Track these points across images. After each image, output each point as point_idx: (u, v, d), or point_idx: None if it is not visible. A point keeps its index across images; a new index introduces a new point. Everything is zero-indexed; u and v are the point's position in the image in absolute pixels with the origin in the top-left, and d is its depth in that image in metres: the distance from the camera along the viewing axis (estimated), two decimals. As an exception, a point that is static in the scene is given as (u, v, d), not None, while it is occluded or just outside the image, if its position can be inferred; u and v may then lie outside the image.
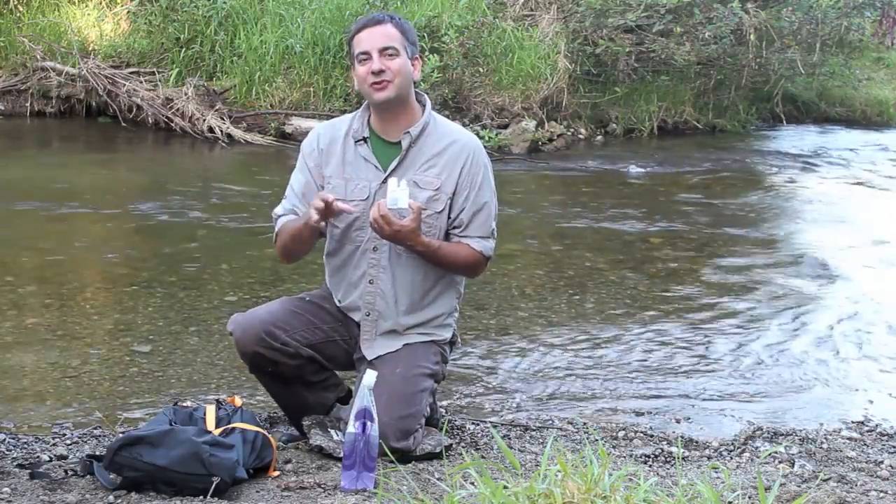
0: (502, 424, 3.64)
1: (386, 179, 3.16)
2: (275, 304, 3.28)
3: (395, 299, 3.21)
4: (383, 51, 3.10)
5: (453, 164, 3.18)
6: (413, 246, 3.10)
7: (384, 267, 3.20)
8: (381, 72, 3.09)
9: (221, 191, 7.84)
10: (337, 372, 3.39)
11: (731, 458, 3.38)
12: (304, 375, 3.25)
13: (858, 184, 9.55)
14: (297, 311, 3.24)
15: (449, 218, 3.20)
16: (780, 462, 3.33)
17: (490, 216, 3.24)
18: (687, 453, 3.41)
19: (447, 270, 3.24)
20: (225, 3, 10.35)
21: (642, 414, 3.93)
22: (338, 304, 3.29)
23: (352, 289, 3.25)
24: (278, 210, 3.28)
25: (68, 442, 3.32)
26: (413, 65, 3.17)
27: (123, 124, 9.94)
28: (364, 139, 3.20)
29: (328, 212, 3.04)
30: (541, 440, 3.48)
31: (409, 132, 3.17)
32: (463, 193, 3.19)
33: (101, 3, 10.91)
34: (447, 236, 3.21)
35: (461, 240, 3.20)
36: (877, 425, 3.84)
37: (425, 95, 3.28)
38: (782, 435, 3.60)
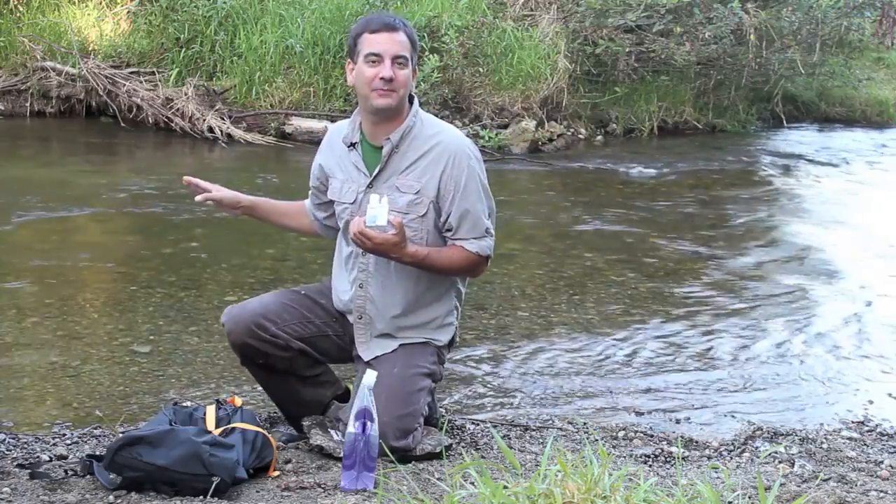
0: (502, 424, 3.64)
1: (371, 184, 3.16)
2: (268, 297, 3.30)
3: (386, 304, 3.21)
4: (396, 58, 3.09)
5: (434, 167, 3.15)
6: (400, 258, 3.09)
7: (372, 272, 3.20)
8: (391, 80, 3.08)
9: (221, 191, 7.82)
10: (334, 370, 3.40)
11: (731, 458, 3.38)
12: (297, 369, 3.25)
13: (858, 184, 9.55)
14: (290, 305, 3.26)
15: (440, 221, 3.18)
16: (780, 462, 3.33)
17: (480, 216, 3.19)
18: (687, 453, 3.41)
19: (444, 275, 3.23)
20: (225, 3, 10.35)
21: (642, 414, 3.93)
22: (336, 303, 3.29)
23: (346, 291, 3.26)
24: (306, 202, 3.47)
25: (68, 442, 3.32)
26: (412, 75, 3.18)
27: (123, 124, 9.94)
28: (353, 144, 3.21)
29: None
30: (541, 440, 3.48)
31: (389, 138, 3.15)
32: (448, 196, 3.15)
33: (101, 3, 10.90)
34: (443, 241, 3.21)
35: (455, 242, 3.19)
36: (877, 425, 3.85)
37: (413, 95, 3.25)
38: (782, 435, 3.60)
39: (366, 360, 3.21)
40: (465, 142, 3.24)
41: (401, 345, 3.22)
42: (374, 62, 3.10)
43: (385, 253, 3.08)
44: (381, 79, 3.08)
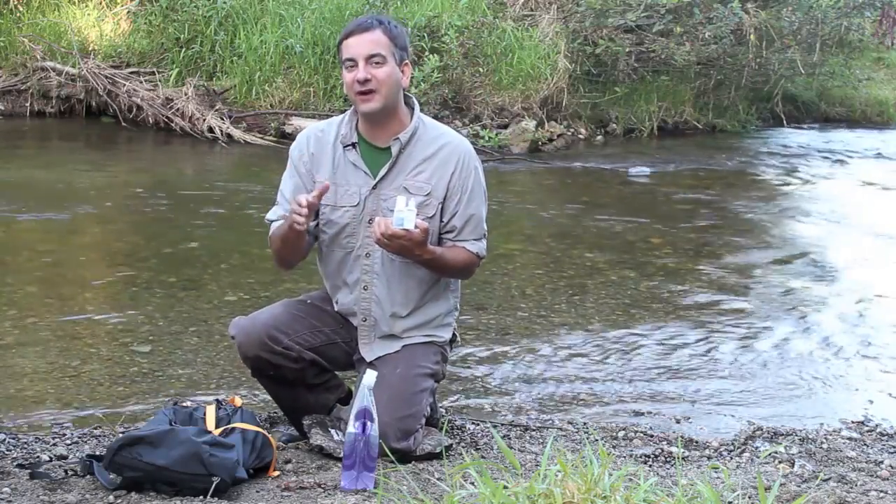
0: (502, 424, 3.64)
1: (376, 185, 3.15)
2: (276, 308, 3.27)
3: (391, 305, 3.20)
4: (370, 58, 3.06)
5: (444, 169, 3.16)
6: (420, 256, 3.07)
7: (377, 273, 3.19)
8: (366, 81, 3.06)
9: (221, 191, 7.84)
10: (337, 372, 3.39)
11: (731, 458, 3.38)
12: (306, 378, 3.24)
13: (858, 184, 9.55)
14: (299, 315, 3.23)
15: (441, 222, 3.18)
16: (780, 462, 3.33)
17: (482, 219, 3.23)
18: (687, 453, 3.41)
19: (445, 275, 3.23)
20: (225, 3, 10.35)
21: (642, 414, 3.93)
22: (335, 306, 3.28)
23: (347, 294, 3.24)
24: (270, 215, 3.25)
25: (68, 442, 3.32)
26: (402, 71, 3.13)
27: (123, 124, 9.94)
28: (353, 144, 3.18)
29: (311, 211, 3.01)
30: (541, 440, 3.48)
31: (398, 138, 3.14)
32: (454, 198, 3.16)
33: (101, 3, 10.91)
34: (440, 241, 3.20)
35: (455, 244, 3.19)
36: (877, 425, 3.85)
37: (413, 98, 3.25)
38: (782, 435, 3.60)
39: (368, 360, 3.21)
40: (469, 144, 3.27)
41: (404, 345, 3.22)
42: (350, 67, 3.09)
43: (409, 251, 3.04)
44: (357, 81, 3.06)
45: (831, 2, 11.73)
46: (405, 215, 2.96)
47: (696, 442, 3.55)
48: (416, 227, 2.96)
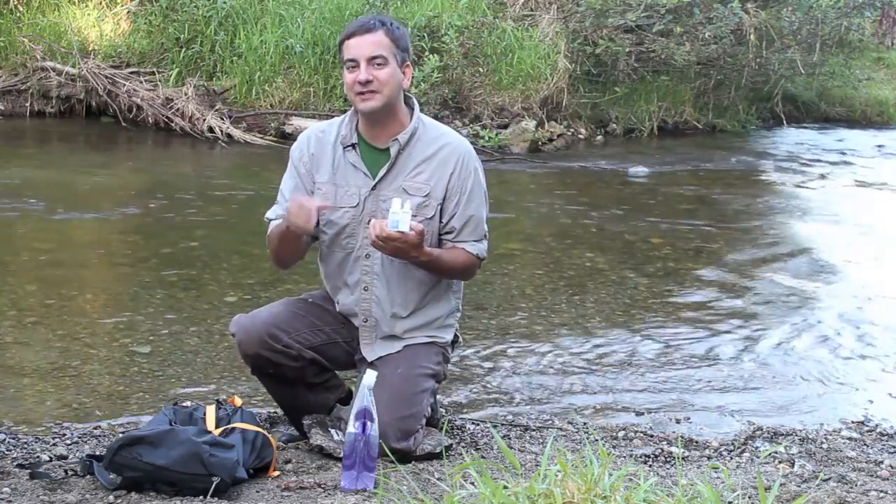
0: (502, 424, 3.64)
1: (375, 186, 3.15)
2: (277, 306, 3.27)
3: (391, 305, 3.20)
4: (371, 60, 3.07)
5: (443, 169, 3.16)
6: (417, 257, 3.07)
7: (377, 274, 3.19)
8: (368, 82, 3.06)
9: (221, 191, 7.83)
10: (337, 372, 3.39)
11: (731, 458, 3.38)
12: (306, 377, 3.24)
13: (858, 184, 9.55)
14: (300, 313, 3.24)
15: (440, 223, 3.18)
16: (780, 462, 3.33)
17: (482, 220, 3.22)
18: (687, 453, 3.41)
19: (444, 277, 3.23)
20: (225, 3, 10.35)
21: (642, 414, 3.93)
22: (337, 307, 3.28)
23: (347, 295, 3.25)
24: (269, 214, 3.26)
25: (68, 442, 3.32)
26: (403, 72, 3.14)
27: (123, 124, 9.94)
28: (352, 145, 3.18)
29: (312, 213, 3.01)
30: (541, 440, 3.48)
31: (397, 139, 3.14)
32: (454, 199, 3.16)
33: (101, 3, 10.90)
34: (439, 242, 3.20)
35: (455, 245, 3.19)
36: (877, 425, 3.85)
37: (413, 98, 3.25)
38: (782, 435, 3.60)
39: (370, 360, 3.21)
40: (469, 145, 3.26)
41: (405, 346, 3.22)
42: (351, 68, 3.09)
43: (404, 253, 3.05)
44: (359, 82, 3.06)
45: (831, 2, 11.72)
46: (400, 217, 2.97)
47: (696, 442, 3.55)
48: (411, 229, 2.97)
